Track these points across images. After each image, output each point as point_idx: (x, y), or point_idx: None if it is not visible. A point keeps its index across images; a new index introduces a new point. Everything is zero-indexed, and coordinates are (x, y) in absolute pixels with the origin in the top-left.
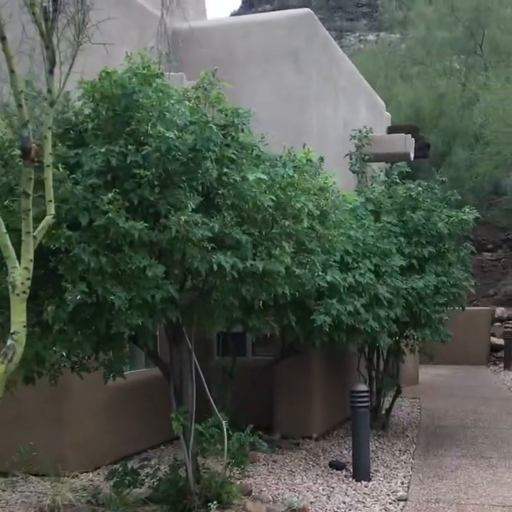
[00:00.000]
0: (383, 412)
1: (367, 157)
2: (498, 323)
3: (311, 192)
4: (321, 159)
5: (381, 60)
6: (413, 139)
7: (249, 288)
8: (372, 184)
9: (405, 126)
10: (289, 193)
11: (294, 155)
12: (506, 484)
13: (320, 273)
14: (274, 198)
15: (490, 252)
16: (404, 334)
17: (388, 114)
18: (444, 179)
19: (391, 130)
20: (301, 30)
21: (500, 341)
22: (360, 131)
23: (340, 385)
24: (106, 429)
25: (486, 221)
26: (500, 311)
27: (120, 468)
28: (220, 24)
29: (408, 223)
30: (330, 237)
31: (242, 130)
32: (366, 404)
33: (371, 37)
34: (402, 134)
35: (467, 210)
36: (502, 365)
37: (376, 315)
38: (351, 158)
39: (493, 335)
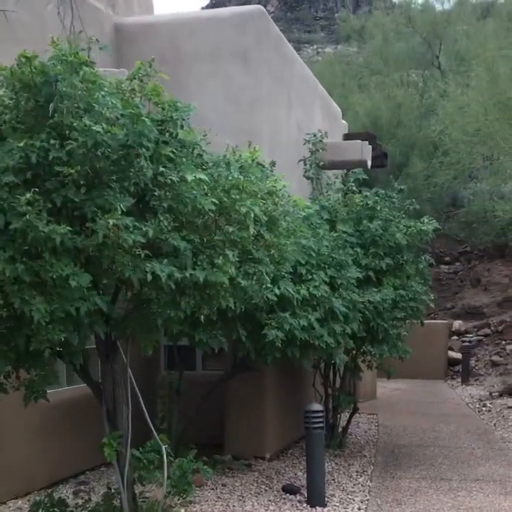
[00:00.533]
0: (340, 430)
1: (322, 163)
2: (455, 337)
3: (258, 196)
4: (273, 163)
5: (338, 70)
6: (370, 146)
7: (189, 301)
8: (327, 191)
9: (362, 134)
10: (233, 196)
11: (240, 155)
12: (467, 510)
13: (268, 285)
14: (217, 202)
15: (447, 264)
16: (361, 350)
17: (345, 122)
18: (402, 187)
19: (348, 137)
20: (252, 28)
21: (458, 355)
22: (314, 136)
23: (295, 401)
24: (38, 450)
25: (443, 233)
26: (457, 324)
27: (46, 499)
28: (166, 20)
29: (365, 233)
30: (279, 246)
31: (182, 126)
32: (321, 424)
33: (329, 49)
34: (359, 141)
35: (426, 220)
36: (459, 379)
37: (331, 330)
38: (305, 164)
39: (451, 349)
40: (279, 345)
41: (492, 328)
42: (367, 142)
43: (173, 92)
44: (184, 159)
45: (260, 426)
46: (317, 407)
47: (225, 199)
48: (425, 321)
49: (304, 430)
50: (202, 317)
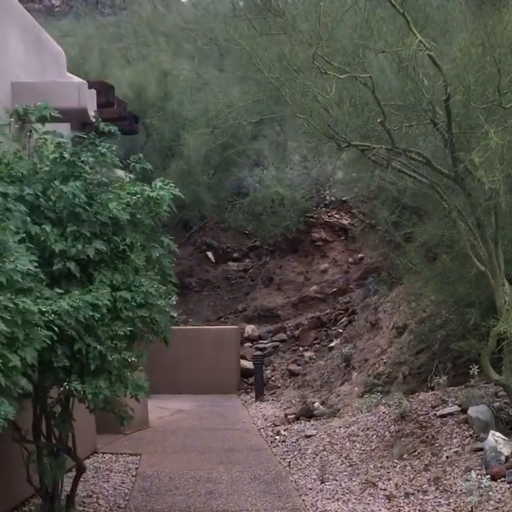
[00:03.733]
0: (63, 498)
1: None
2: (248, 344)
3: None
4: None
5: (96, 35)
6: (94, 91)
7: None
8: None
9: (93, 82)
10: None
11: None
12: None
13: None
14: None
15: (236, 261)
16: (66, 387)
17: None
18: (113, 130)
19: None
20: None
21: (251, 365)
22: None
23: None
24: None
25: (229, 226)
26: (250, 329)
27: None
28: None
29: (59, 201)
30: None
31: None
32: None
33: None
34: (74, 81)
35: (160, 184)
36: (254, 394)
37: None
38: None
39: (244, 357)
40: None
41: (288, 332)
42: (86, 84)
43: None
44: None
45: None
46: None
47: None
48: (214, 327)
49: None
50: None
